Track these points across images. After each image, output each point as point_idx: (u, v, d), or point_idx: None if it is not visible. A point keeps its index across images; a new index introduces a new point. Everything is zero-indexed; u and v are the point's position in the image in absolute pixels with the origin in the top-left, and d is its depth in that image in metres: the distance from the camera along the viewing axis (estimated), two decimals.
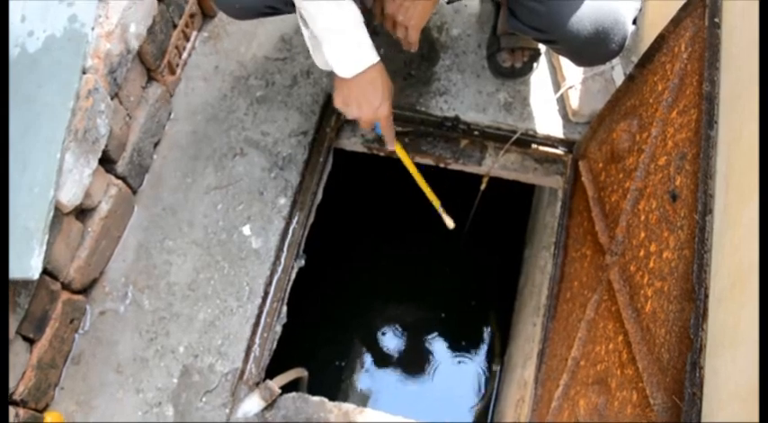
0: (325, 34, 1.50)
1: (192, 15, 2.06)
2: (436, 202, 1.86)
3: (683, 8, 1.44)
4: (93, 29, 1.60)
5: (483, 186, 2.08)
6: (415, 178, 1.83)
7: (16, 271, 1.39)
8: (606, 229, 1.55)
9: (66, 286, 1.69)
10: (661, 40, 1.51)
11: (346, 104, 1.60)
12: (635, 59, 2.00)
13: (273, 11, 1.59)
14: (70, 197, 1.55)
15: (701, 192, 1.14)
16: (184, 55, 2.07)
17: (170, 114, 2.01)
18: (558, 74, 2.04)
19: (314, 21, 1.50)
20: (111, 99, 1.68)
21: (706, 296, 1.09)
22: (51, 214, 1.44)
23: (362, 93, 1.56)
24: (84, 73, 1.57)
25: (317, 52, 1.62)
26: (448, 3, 1.51)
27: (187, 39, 2.07)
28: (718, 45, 1.29)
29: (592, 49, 1.52)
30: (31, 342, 1.61)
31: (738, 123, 1.16)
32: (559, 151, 1.98)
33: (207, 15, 2.16)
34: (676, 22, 1.46)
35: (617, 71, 2.00)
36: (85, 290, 1.78)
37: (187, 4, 2.02)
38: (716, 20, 1.32)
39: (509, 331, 2.79)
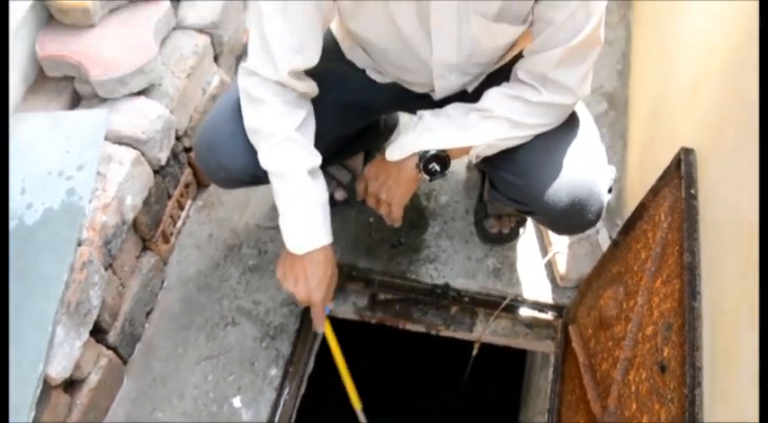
0: (283, 207, 1.55)
1: (187, 185, 2.12)
2: (357, 403, 1.84)
3: (661, 178, 1.49)
4: (90, 202, 1.64)
5: (475, 352, 2.07)
6: (340, 370, 1.80)
7: None
8: (598, 399, 1.53)
9: None
10: (642, 208, 1.55)
11: (285, 277, 1.62)
12: (619, 222, 2.05)
13: (257, 180, 1.65)
14: (59, 370, 1.54)
15: (688, 364, 1.14)
16: (179, 224, 2.11)
17: (163, 283, 2.03)
18: (545, 239, 2.08)
19: (276, 194, 1.56)
20: (105, 270, 1.70)
21: None
22: (39, 390, 1.42)
23: (303, 271, 1.57)
24: (79, 245, 1.59)
25: None
26: (430, 181, 1.57)
27: (182, 208, 2.12)
28: (695, 215, 1.32)
29: (569, 219, 1.56)
30: None
31: (720, 294, 1.18)
32: (549, 316, 1.98)
33: (201, 185, 2.22)
34: (655, 191, 1.51)
35: (602, 235, 2.04)
36: None
37: (182, 174, 2.09)
38: (692, 191, 1.36)
39: None
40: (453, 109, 1.53)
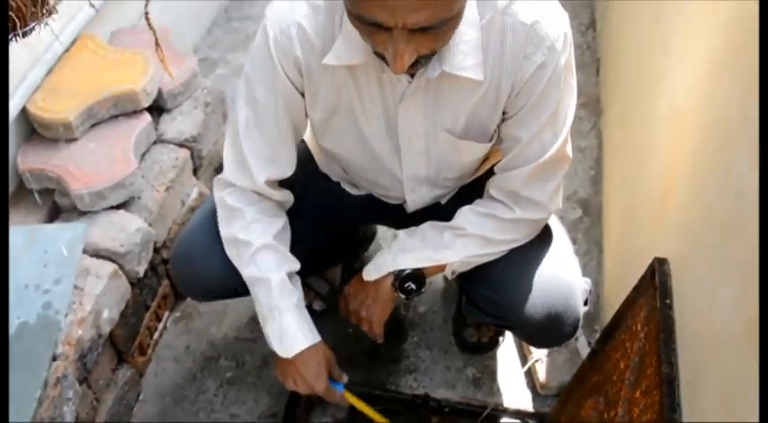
0: (266, 313, 1.55)
1: (164, 297, 2.11)
2: None
3: (636, 287, 1.50)
4: (66, 316, 1.63)
5: None
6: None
7: None
8: None
9: None
10: (619, 317, 1.56)
11: (284, 377, 1.62)
12: (598, 328, 2.06)
13: (232, 293, 1.65)
14: None
15: None
16: (156, 335, 2.09)
17: (139, 395, 2.00)
18: (524, 347, 2.08)
19: (257, 300, 1.56)
20: (80, 384, 1.67)
21: None
22: None
23: (297, 370, 1.58)
24: (54, 360, 1.57)
25: None
26: (406, 299, 1.59)
27: (159, 319, 2.10)
28: (672, 326, 1.33)
29: (546, 333, 1.57)
30: None
31: (700, 406, 1.17)
32: None
33: (179, 296, 2.21)
34: (631, 301, 1.51)
35: (581, 342, 2.04)
36: None
37: (160, 286, 2.08)
38: (667, 301, 1.37)
39: None
40: (428, 227, 1.56)
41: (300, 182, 1.59)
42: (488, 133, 1.45)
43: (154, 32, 1.82)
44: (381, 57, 1.21)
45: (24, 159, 1.92)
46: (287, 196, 1.59)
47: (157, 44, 1.86)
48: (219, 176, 1.55)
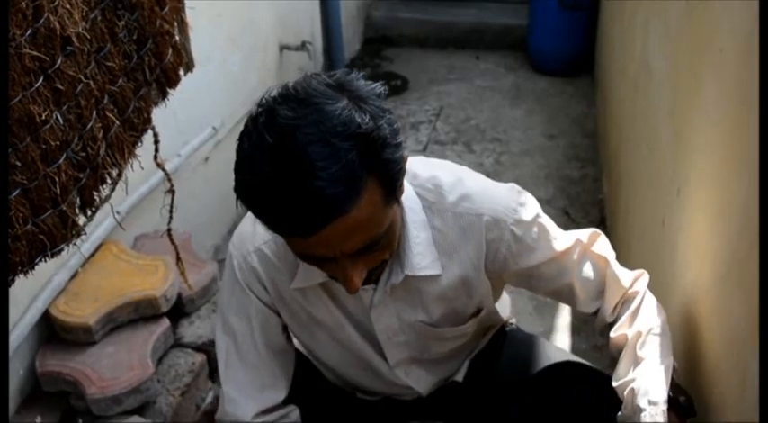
0: None
1: None
2: None
3: None
4: None
5: None
6: None
7: None
8: None
9: None
10: None
11: None
12: None
13: None
14: None
15: None
16: None
17: None
18: None
19: None
20: None
21: None
22: None
23: None
24: None
25: None
26: None
27: None
28: None
29: None
30: None
31: None
32: None
33: None
34: None
35: None
36: None
37: None
38: None
39: None
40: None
41: (317, 398, 1.57)
42: (465, 316, 1.48)
43: (175, 248, 1.88)
44: (335, 278, 1.24)
45: (43, 363, 1.94)
46: (283, 413, 1.52)
47: (178, 258, 1.92)
48: (216, 415, 1.52)
